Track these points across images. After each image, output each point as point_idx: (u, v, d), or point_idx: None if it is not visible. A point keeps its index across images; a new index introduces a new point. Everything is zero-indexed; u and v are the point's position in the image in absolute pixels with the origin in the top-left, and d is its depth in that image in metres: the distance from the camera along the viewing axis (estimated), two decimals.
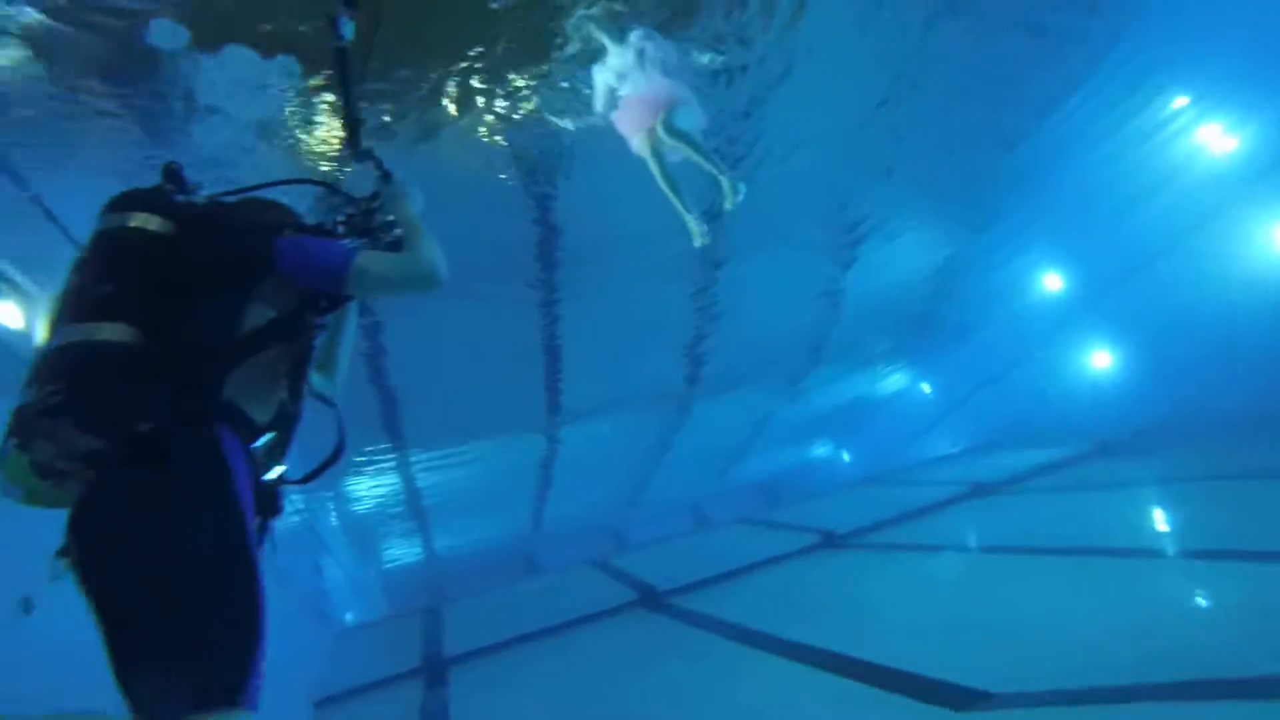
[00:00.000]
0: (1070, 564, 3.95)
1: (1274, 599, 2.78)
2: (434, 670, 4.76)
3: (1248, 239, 6.60)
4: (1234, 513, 4.20)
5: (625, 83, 4.20)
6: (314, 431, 1.82)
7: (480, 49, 3.95)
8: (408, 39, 3.33)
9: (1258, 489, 4.58)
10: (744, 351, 8.40)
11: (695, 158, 4.41)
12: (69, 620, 2.89)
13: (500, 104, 4.39)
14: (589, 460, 9.76)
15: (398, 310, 5.25)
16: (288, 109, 3.67)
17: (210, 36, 3.12)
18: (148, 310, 1.51)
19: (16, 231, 3.26)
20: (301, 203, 1.89)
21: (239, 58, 3.19)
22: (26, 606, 2.81)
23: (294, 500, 6.05)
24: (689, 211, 4.59)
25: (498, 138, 4.63)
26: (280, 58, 3.27)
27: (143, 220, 1.60)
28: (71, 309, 1.52)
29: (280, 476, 1.69)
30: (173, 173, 1.75)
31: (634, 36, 4.11)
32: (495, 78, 4.19)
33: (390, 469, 8.07)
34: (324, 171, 4.15)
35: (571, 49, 4.20)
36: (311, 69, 3.44)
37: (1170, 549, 4.07)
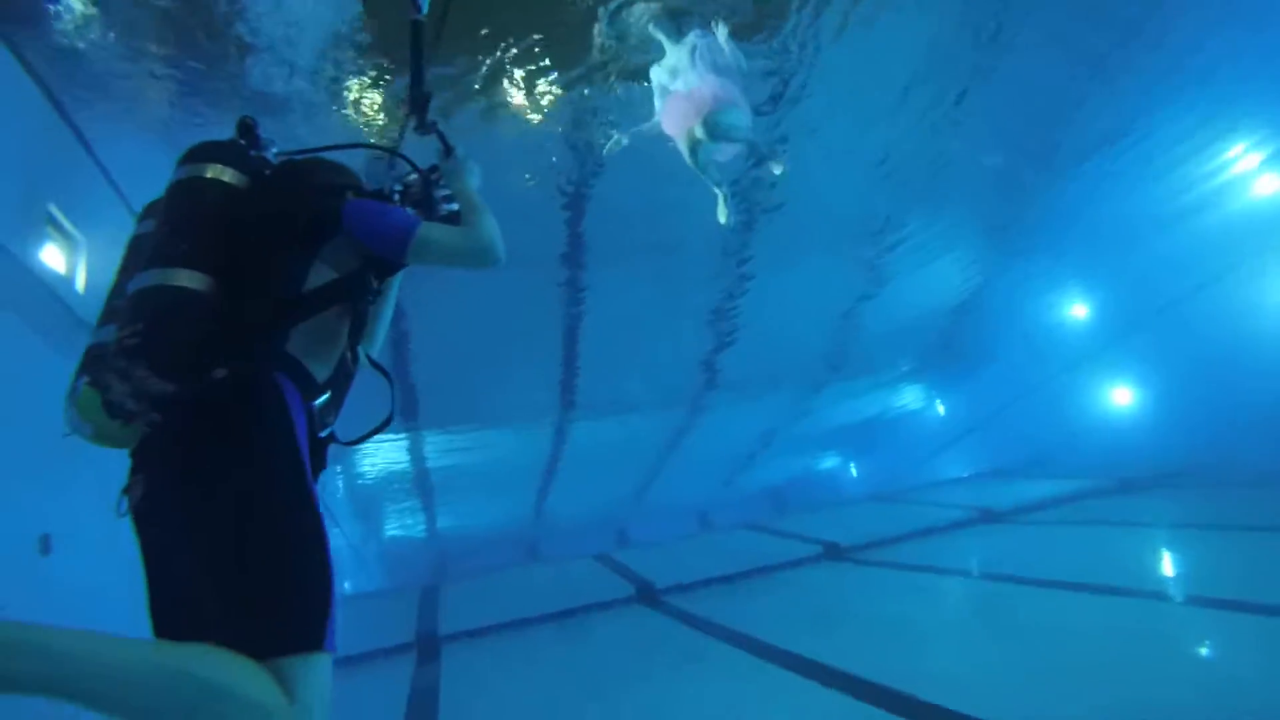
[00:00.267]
0: (1074, 599, 3.90)
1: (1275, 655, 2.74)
2: (427, 647, 4.81)
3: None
4: (1246, 565, 4.13)
5: (677, 79, 4.17)
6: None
7: (537, 36, 3.99)
8: (468, 23, 3.37)
9: (1273, 543, 4.51)
10: (764, 360, 8.39)
11: (733, 148, 4.34)
12: (87, 562, 2.97)
13: (548, 94, 4.42)
14: (598, 456, 9.79)
15: (421, 297, 5.29)
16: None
17: None
18: (222, 260, 1.55)
19: (68, 179, 3.33)
20: (352, 166, 1.91)
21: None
22: (45, 546, 2.88)
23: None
24: (720, 188, 4.48)
25: (541, 127, 4.67)
26: None
27: (218, 172, 1.63)
28: (149, 254, 1.55)
29: (330, 435, 1.72)
30: (247, 128, 1.78)
31: (690, 34, 4.09)
32: (547, 67, 4.24)
33: (402, 446, 8.15)
34: (370, 133, 4.23)
35: (627, 43, 4.23)
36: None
37: (1177, 595, 4.01)
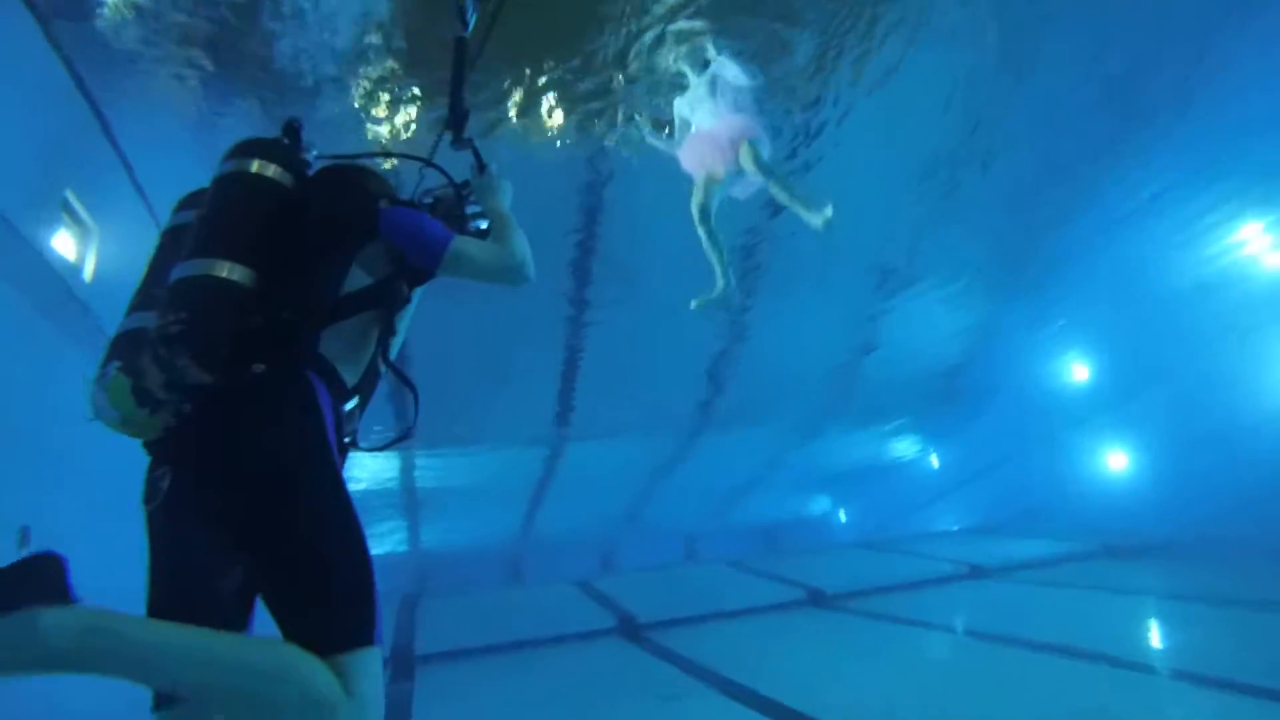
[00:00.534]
0: (1060, 664, 3.85)
1: None
2: (401, 666, 4.72)
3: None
4: (1233, 641, 4.09)
5: (699, 114, 4.21)
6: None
7: (562, 61, 4.06)
8: (506, 41, 3.41)
9: (1259, 621, 4.47)
10: (759, 394, 8.39)
11: (780, 190, 4.31)
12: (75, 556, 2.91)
13: (570, 115, 4.48)
14: (589, 478, 9.72)
15: (421, 309, 5.29)
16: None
17: None
18: (265, 256, 1.55)
19: (88, 166, 3.34)
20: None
21: None
22: (24, 538, 2.83)
23: None
24: (722, 264, 4.52)
25: (560, 146, 4.71)
26: None
27: (265, 168, 1.64)
28: (194, 243, 1.54)
29: (352, 440, 1.73)
30: (293, 129, 1.78)
31: (714, 68, 4.13)
32: (573, 89, 4.29)
33: (391, 458, 8.08)
34: (390, 140, 4.27)
35: (655, 73, 4.28)
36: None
37: (1160, 667, 3.96)
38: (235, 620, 1.48)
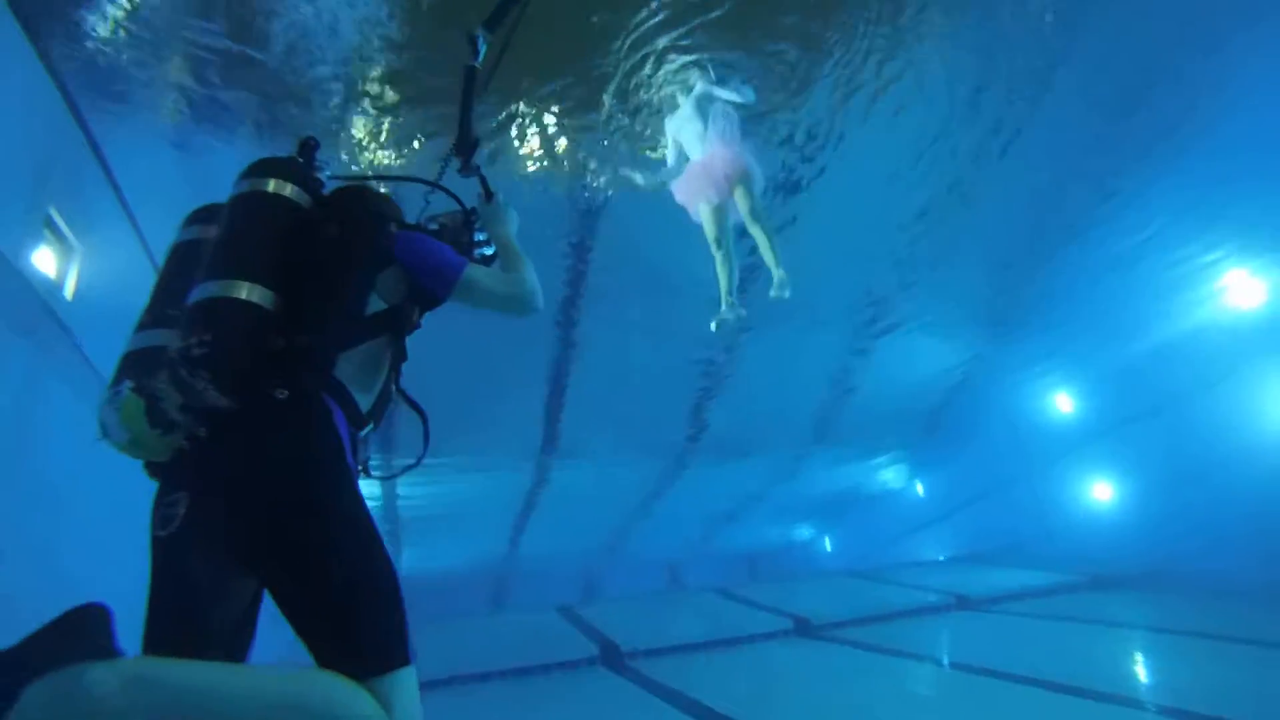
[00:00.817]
0: (1047, 699, 3.83)
1: None
2: None
3: (1267, 401, 6.58)
4: (1219, 676, 4.09)
5: (687, 135, 4.21)
6: None
7: (566, 84, 4.09)
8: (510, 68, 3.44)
9: (1244, 655, 4.48)
10: (747, 422, 8.37)
11: (762, 239, 4.32)
12: (25, 577, 2.83)
13: (560, 140, 4.49)
14: (574, 502, 9.64)
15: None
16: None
17: None
18: (285, 277, 1.52)
19: (72, 183, 3.30)
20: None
21: None
22: None
23: None
24: (731, 288, 4.49)
25: (551, 173, 4.72)
26: None
27: (281, 187, 1.61)
28: (214, 263, 1.50)
29: (364, 467, 1.70)
30: (309, 148, 1.76)
31: (701, 87, 4.14)
32: (566, 118, 4.32)
33: (374, 476, 7.96)
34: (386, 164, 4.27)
35: (655, 103, 4.32)
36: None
37: (1147, 701, 3.95)
38: (238, 649, 1.46)
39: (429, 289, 1.73)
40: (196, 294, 1.47)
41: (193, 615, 1.39)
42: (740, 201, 4.19)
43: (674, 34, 3.94)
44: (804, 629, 6.03)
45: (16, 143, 2.90)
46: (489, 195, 2.06)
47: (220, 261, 1.51)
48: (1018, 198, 5.80)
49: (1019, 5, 4.29)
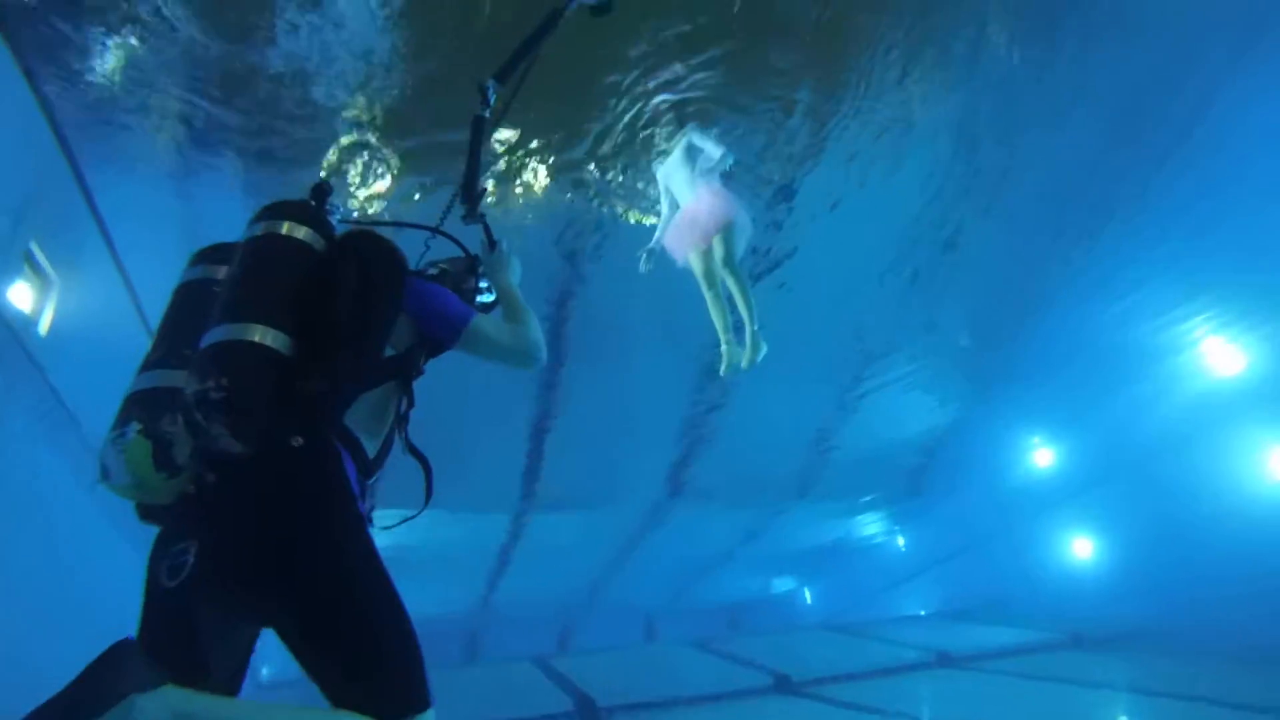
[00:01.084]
0: None
1: None
2: None
3: (1243, 462, 6.67)
4: None
5: (676, 182, 4.24)
6: None
7: (558, 136, 4.16)
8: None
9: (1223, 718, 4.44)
10: (730, 474, 8.32)
11: (736, 292, 4.30)
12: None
13: (550, 184, 4.55)
14: (552, 551, 9.48)
15: None
16: None
17: None
18: (301, 322, 1.49)
19: (55, 217, 3.28)
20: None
21: None
22: None
23: None
24: (727, 326, 4.43)
25: (539, 216, 4.76)
26: None
27: (294, 230, 1.58)
28: (231, 306, 1.47)
29: (369, 515, 1.65)
30: (322, 191, 1.73)
31: (690, 138, 4.21)
32: (557, 160, 4.38)
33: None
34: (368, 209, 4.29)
35: (644, 152, 4.40)
36: None
37: None
38: (232, 695, 1.44)
39: (436, 337, 1.72)
40: (212, 336, 1.43)
41: (196, 667, 1.34)
42: (716, 248, 4.19)
43: (668, 88, 4.04)
44: (784, 685, 5.90)
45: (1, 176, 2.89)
46: (492, 244, 2.06)
47: (237, 304, 1.47)
48: (1003, 262, 5.93)
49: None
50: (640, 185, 4.70)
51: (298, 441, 1.42)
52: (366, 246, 1.66)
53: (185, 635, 1.36)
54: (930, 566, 10.82)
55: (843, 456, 8.38)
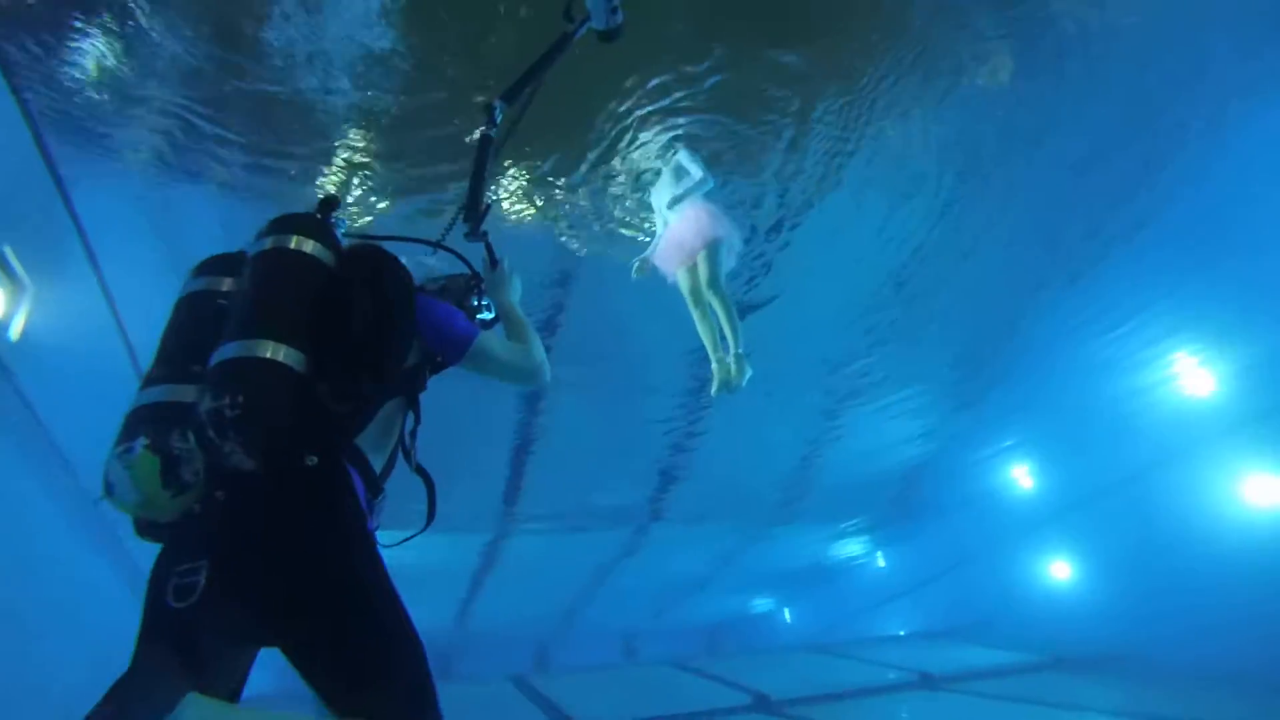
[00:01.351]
0: None
1: None
2: None
3: (1219, 484, 6.76)
4: None
5: (676, 213, 4.22)
6: None
7: (552, 159, 4.16)
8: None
9: None
10: (713, 495, 8.30)
11: (720, 312, 4.25)
12: None
13: (539, 207, 4.54)
14: (530, 571, 9.38)
15: None
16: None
17: None
18: (314, 338, 1.47)
19: (33, 221, 3.21)
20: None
21: None
22: None
23: None
24: (716, 344, 4.39)
25: (530, 237, 4.75)
26: None
27: (302, 244, 1.56)
28: (246, 322, 1.44)
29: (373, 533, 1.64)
30: (331, 205, 1.70)
31: (678, 157, 4.21)
32: (545, 181, 4.38)
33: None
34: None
35: (635, 173, 4.41)
36: None
37: None
38: None
39: (441, 353, 1.72)
40: (225, 352, 1.41)
41: (201, 689, 1.30)
42: (700, 265, 4.17)
43: (659, 114, 4.07)
44: (763, 705, 5.85)
45: None
46: (494, 262, 2.06)
47: (251, 320, 1.45)
48: (983, 288, 6.00)
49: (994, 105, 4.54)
50: (630, 205, 4.70)
51: (312, 460, 1.41)
52: (378, 265, 1.64)
53: (192, 656, 1.33)
54: (911, 587, 10.83)
55: (825, 478, 8.39)
